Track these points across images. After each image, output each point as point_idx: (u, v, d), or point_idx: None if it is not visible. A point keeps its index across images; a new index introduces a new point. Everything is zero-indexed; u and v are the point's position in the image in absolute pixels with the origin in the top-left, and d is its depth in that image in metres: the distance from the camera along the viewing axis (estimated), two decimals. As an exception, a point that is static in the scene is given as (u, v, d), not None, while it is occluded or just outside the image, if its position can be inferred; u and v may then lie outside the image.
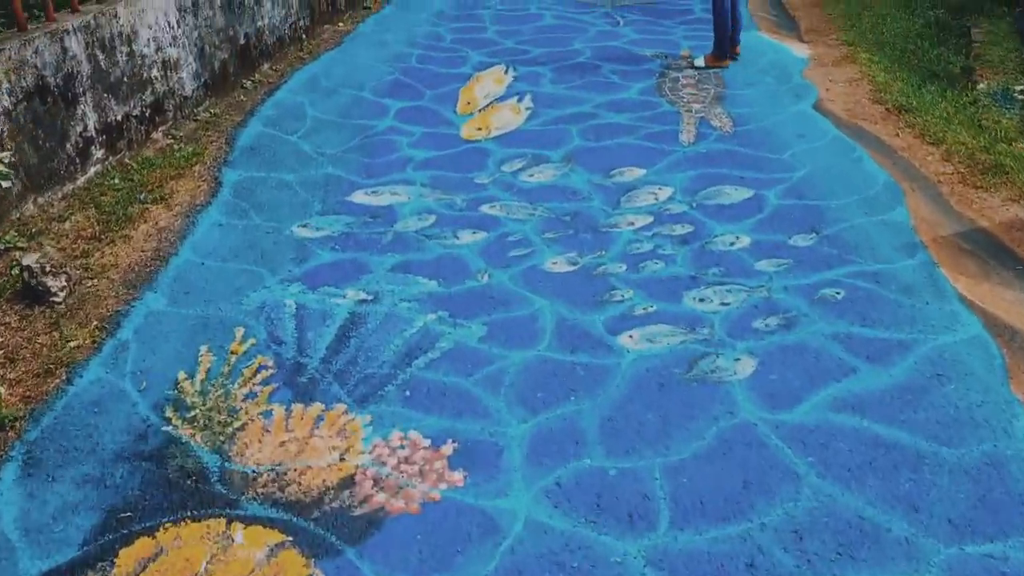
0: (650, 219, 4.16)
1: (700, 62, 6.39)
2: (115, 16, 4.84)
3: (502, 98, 5.84)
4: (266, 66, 6.51)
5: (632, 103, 5.66)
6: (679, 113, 5.48)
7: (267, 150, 5.07)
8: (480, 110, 5.63)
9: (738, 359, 3.13)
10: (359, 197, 4.47)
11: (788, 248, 3.89)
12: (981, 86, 5.88)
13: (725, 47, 6.33)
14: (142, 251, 4.00)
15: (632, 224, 4.12)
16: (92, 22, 4.66)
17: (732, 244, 3.93)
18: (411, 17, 7.90)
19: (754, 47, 6.74)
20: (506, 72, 6.34)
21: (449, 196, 4.45)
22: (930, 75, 6.30)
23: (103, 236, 4.10)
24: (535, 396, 2.97)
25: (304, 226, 4.18)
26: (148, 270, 3.83)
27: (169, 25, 5.34)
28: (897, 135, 5.11)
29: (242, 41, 6.18)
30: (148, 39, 5.13)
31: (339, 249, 3.97)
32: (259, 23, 6.39)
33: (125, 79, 4.94)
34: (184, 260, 3.90)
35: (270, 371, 3.13)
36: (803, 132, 5.15)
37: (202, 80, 5.70)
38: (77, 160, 4.56)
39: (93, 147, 4.68)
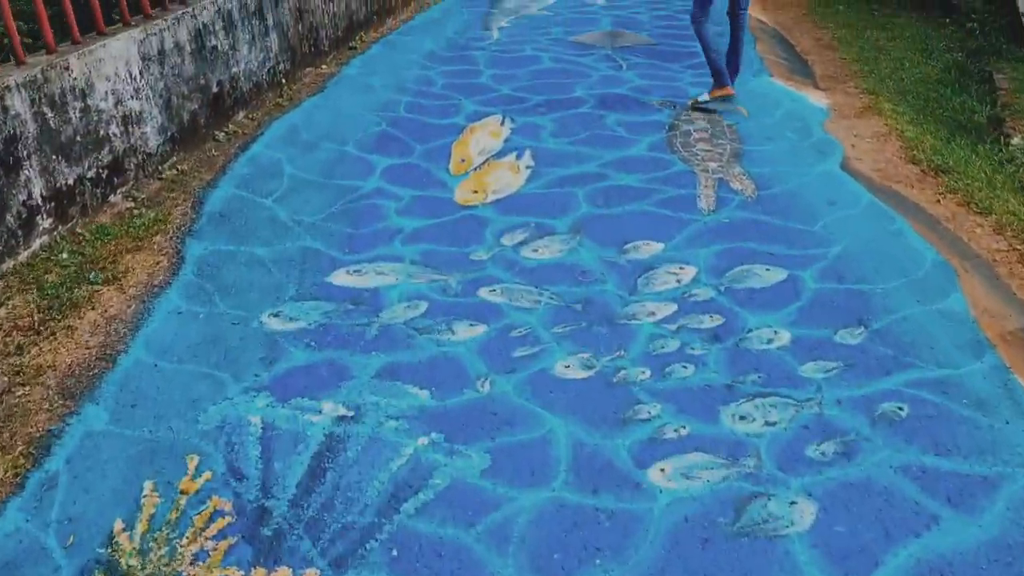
0: (673, 307, 3.64)
1: (705, 97, 6.06)
2: (67, 69, 4.31)
3: (500, 154, 5.32)
4: (241, 115, 5.98)
5: (642, 161, 5.16)
6: (695, 173, 4.98)
7: (238, 216, 4.53)
8: (475, 169, 5.11)
9: (794, 503, 2.59)
10: (340, 278, 3.92)
11: (835, 347, 3.37)
12: (1015, 140, 5.42)
13: (725, 75, 5.98)
14: (86, 348, 3.44)
15: (653, 315, 3.59)
16: (39, 76, 4.12)
17: (770, 341, 3.40)
18: (399, 58, 7.40)
19: (769, 96, 6.27)
20: (503, 123, 5.83)
21: (442, 277, 3.91)
22: (957, 126, 5.85)
23: (43, 327, 3.54)
24: (551, 558, 2.42)
25: (276, 315, 3.63)
26: (91, 374, 3.27)
27: (131, 76, 4.80)
28: (938, 201, 4.62)
29: (215, 89, 5.65)
30: (106, 92, 4.60)
31: (315, 347, 3.42)
32: (234, 69, 5.86)
33: (78, 138, 4.40)
34: (134, 361, 3.34)
35: (227, 519, 2.57)
36: (833, 197, 4.65)
37: (168, 134, 5.16)
38: (19, 233, 4.00)
39: (39, 217, 4.13)
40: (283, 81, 6.54)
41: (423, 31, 8.32)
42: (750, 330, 3.48)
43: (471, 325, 3.53)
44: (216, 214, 4.57)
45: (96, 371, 3.28)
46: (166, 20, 5.14)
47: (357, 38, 7.90)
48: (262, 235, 4.33)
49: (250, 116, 6.05)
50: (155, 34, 5.01)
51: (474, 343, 3.42)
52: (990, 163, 5.05)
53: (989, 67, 6.91)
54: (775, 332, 3.46)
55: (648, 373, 3.22)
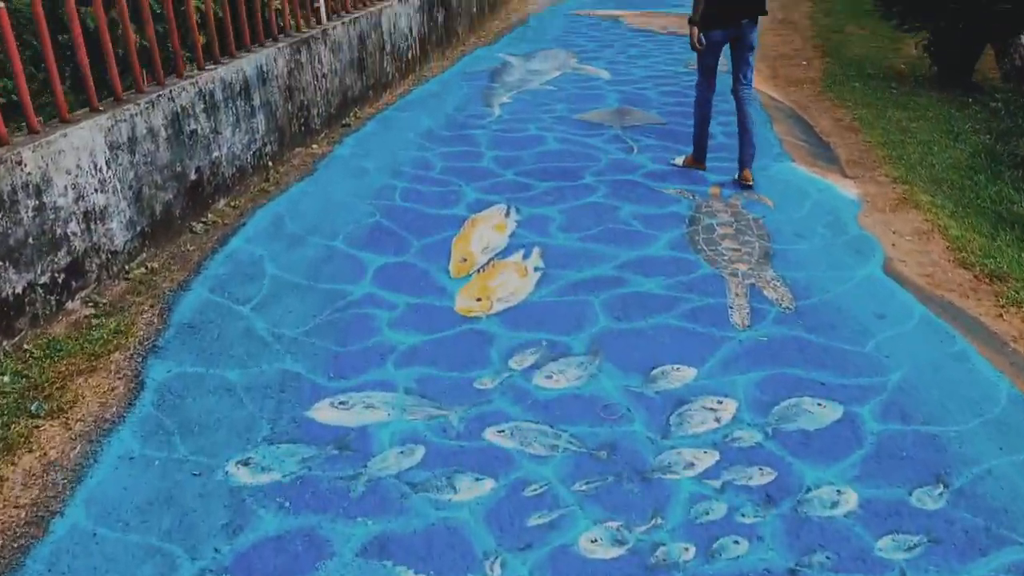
0: (715, 456, 3.09)
1: (678, 161, 6.19)
2: (19, 163, 3.80)
3: (504, 252, 4.82)
4: (222, 203, 5.48)
5: (663, 262, 4.65)
6: (723, 278, 4.47)
7: (210, 329, 3.99)
8: (479, 270, 4.60)
9: None
10: (323, 412, 3.37)
11: (912, 513, 2.81)
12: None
13: (703, 149, 6.07)
14: (16, 507, 2.86)
15: (692, 466, 3.04)
16: (-16, 174, 3.61)
17: (835, 505, 2.85)
18: (395, 137, 6.95)
19: (794, 184, 5.81)
20: (507, 214, 5.34)
21: (442, 412, 3.36)
22: (998, 219, 5.41)
23: (-34, 478, 2.97)
24: None
25: (245, 464, 3.07)
26: (16, 546, 2.69)
27: (95, 167, 4.30)
28: (1001, 316, 4.11)
29: (193, 177, 5.15)
30: (66, 187, 4.09)
31: (290, 509, 2.84)
32: (215, 154, 5.38)
33: (31, 240, 3.87)
34: (70, 527, 2.76)
35: None
36: (882, 310, 4.14)
37: (138, 229, 4.65)
38: (-48, 354, 3.45)
39: (-23, 334, 3.58)
40: (270, 164, 6.06)
41: (421, 107, 7.90)
42: (809, 489, 2.93)
43: (476, 480, 2.97)
44: (185, 325, 4.03)
45: (22, 542, 2.70)
46: (139, 104, 4.66)
47: (351, 114, 7.46)
48: (236, 353, 3.78)
49: (232, 204, 5.55)
50: (125, 120, 4.53)
51: (480, 506, 2.85)
52: (1043, 263, 4.57)
53: (1020, 150, 6.51)
54: (839, 492, 2.91)
55: (692, 551, 2.65)
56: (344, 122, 7.30)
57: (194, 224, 5.14)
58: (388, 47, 8.31)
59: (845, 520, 2.78)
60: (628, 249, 4.82)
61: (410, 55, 8.94)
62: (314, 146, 6.73)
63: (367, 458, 3.09)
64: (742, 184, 5.72)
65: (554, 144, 6.75)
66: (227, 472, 3.03)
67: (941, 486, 2.93)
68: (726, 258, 4.71)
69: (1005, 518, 2.78)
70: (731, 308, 4.16)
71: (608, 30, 11.83)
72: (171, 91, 4.94)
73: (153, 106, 4.76)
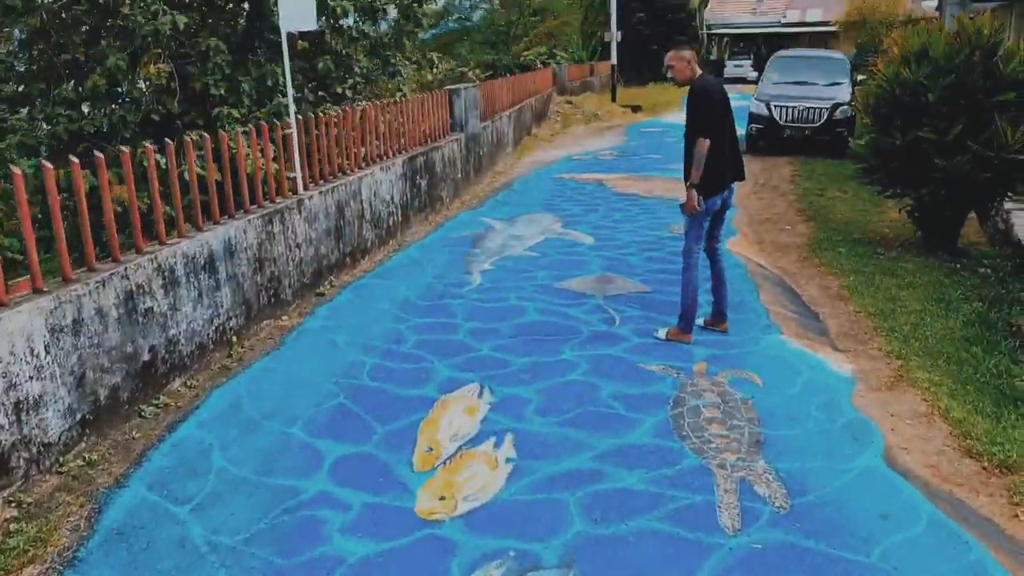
0: None
1: (661, 334, 5.94)
2: (-59, 354, 3.50)
3: (475, 439, 4.46)
4: (178, 383, 5.15)
5: (646, 452, 4.30)
6: (710, 471, 4.10)
7: (140, 537, 3.58)
8: (444, 462, 4.22)
9: None
10: (252, 646, 2.92)
11: None
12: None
13: (692, 320, 5.93)
14: None
15: None
16: None
17: None
18: (370, 308, 6.71)
19: (784, 361, 5.52)
20: (480, 395, 5.02)
21: (390, 646, 2.92)
22: (999, 395, 5.10)
23: None
24: None
25: None
26: None
27: (32, 353, 4.00)
28: (1017, 516, 3.73)
29: (146, 357, 4.85)
30: (-5, 376, 3.78)
31: None
32: (172, 331, 5.10)
33: (-53, 437, 3.52)
34: None
35: None
36: (886, 509, 3.76)
37: (77, 417, 4.30)
38: None
39: None
40: (234, 339, 5.78)
41: (399, 274, 7.73)
42: None
43: None
44: (113, 531, 3.62)
45: None
46: (88, 285, 4.41)
47: (327, 283, 7.27)
48: (163, 568, 3.36)
49: (189, 383, 5.22)
50: (71, 301, 4.27)
51: None
52: (1056, 449, 4.23)
53: (1013, 318, 6.29)
54: None
55: None
56: (319, 291, 7.09)
57: (144, 408, 4.80)
58: (368, 214, 8.22)
59: None
60: (608, 436, 4.47)
61: (391, 221, 8.86)
62: (284, 318, 6.48)
63: None
64: (722, 332, 6.00)
65: (534, 315, 6.51)
66: None
67: None
68: (713, 446, 4.35)
69: None
70: (719, 508, 3.78)
71: (593, 194, 11.89)
72: (126, 268, 4.71)
73: (104, 285, 4.52)
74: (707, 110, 5.51)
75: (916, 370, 5.37)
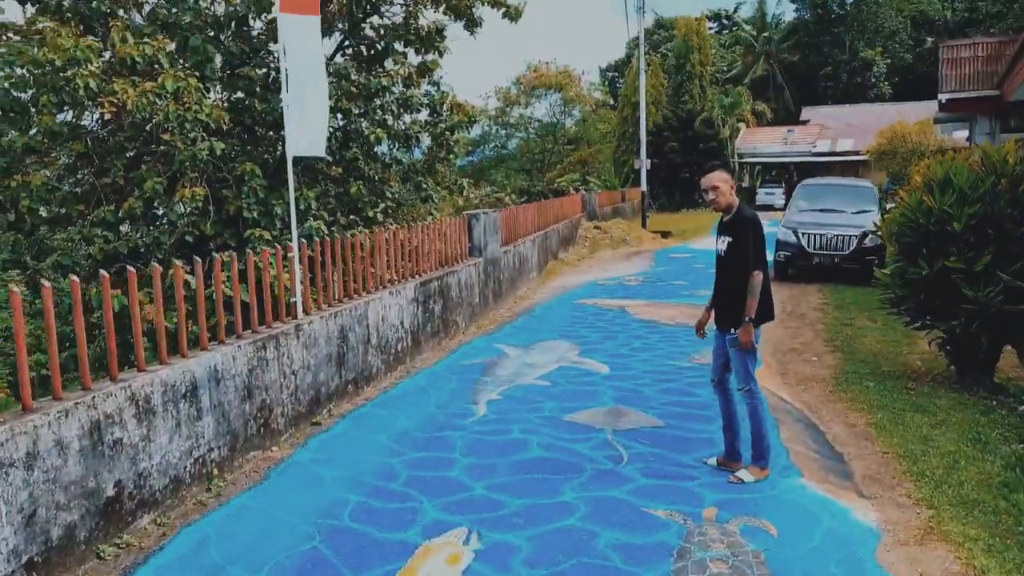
0: None
1: (748, 478, 5.50)
2: None
3: (453, 595, 4.04)
4: (146, 520, 4.82)
5: (642, 615, 3.84)
6: (712, 639, 3.63)
7: None
8: (416, 621, 3.81)
9: None
10: None
11: None
12: None
13: (768, 452, 5.63)
14: None
15: None
16: None
17: None
18: (364, 440, 6.38)
19: (803, 507, 5.07)
20: (467, 541, 4.61)
21: None
22: (1046, 554, 4.56)
23: None
24: None
25: None
26: None
27: (-26, 490, 3.72)
28: None
29: (109, 492, 4.55)
30: (-72, 516, 3.49)
31: None
32: (142, 464, 4.81)
33: None
34: None
35: None
36: None
37: (23, 560, 3.97)
38: None
39: None
40: (215, 472, 5.47)
41: (402, 403, 7.41)
42: None
43: None
44: None
45: None
46: (48, 415, 4.16)
47: (326, 411, 6.98)
48: None
49: (159, 521, 4.89)
50: (25, 433, 4.01)
51: None
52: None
53: (1058, 462, 5.78)
54: None
55: None
56: (315, 420, 6.78)
57: (104, 548, 4.46)
58: (374, 340, 7.99)
59: None
60: (602, 594, 4.03)
61: (400, 347, 8.61)
62: (274, 448, 6.16)
63: None
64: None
65: (537, 451, 6.13)
66: None
67: None
68: (718, 609, 3.89)
69: None
70: None
71: (613, 320, 11.61)
72: (93, 397, 4.47)
73: (67, 416, 4.27)
74: (762, 240, 5.38)
75: (949, 521, 4.89)
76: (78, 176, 9.68)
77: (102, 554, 4.44)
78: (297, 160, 8.34)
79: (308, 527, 4.80)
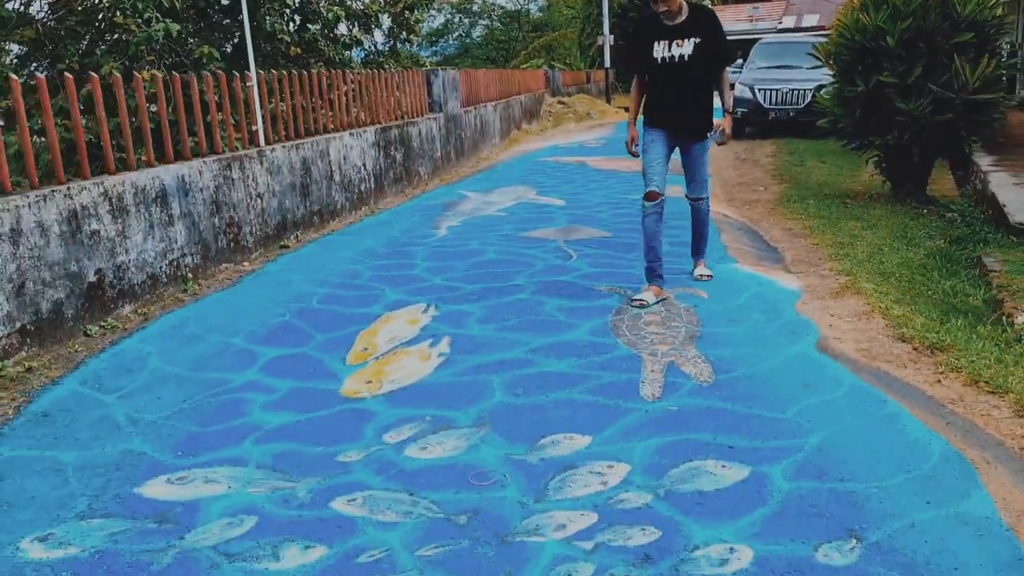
0: (593, 518, 2.65)
1: (706, 271, 5.61)
2: None
3: (411, 342, 4.48)
4: (128, 309, 5.20)
5: (579, 346, 4.31)
6: (640, 358, 4.11)
7: (64, 416, 3.61)
8: (377, 357, 4.25)
9: None
10: (154, 488, 2.95)
11: (815, 568, 2.35)
12: (1021, 319, 4.62)
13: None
14: None
15: (564, 528, 2.59)
16: None
17: (724, 563, 2.39)
18: (333, 256, 6.76)
19: (732, 280, 5.53)
20: (425, 311, 5.04)
21: (289, 484, 2.94)
22: (950, 308, 5.07)
23: None
24: None
25: (43, 540, 2.63)
26: None
27: (-34, 254, 4.06)
28: (939, 381, 3.72)
29: (91, 278, 4.90)
30: (-75, 270, 3.83)
31: (75, 584, 2.39)
32: (120, 258, 5.15)
33: None
34: None
35: None
36: (809, 381, 3.76)
37: (17, 325, 4.35)
38: None
39: None
40: (189, 276, 5.83)
41: (366, 232, 7.77)
42: (696, 547, 2.47)
43: (305, 548, 2.53)
44: (39, 414, 3.65)
45: None
46: (28, 197, 4.47)
47: (292, 237, 7.32)
48: (81, 437, 3.39)
49: (140, 311, 5.27)
50: (8, 211, 4.33)
51: (301, 573, 2.40)
52: (995, 343, 4.22)
53: (975, 253, 6.27)
54: (731, 549, 2.45)
55: (541, 615, 2.18)
56: (283, 243, 7.14)
57: (90, 327, 4.84)
58: (337, 177, 8.28)
59: (734, 579, 2.31)
60: (545, 336, 4.49)
61: (363, 187, 8.92)
62: (245, 263, 6.53)
63: (186, 531, 2.65)
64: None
65: (493, 255, 6.55)
66: (18, 548, 2.58)
67: (854, 540, 2.48)
68: (648, 341, 4.36)
69: (928, 570, 2.31)
70: (642, 383, 3.79)
71: (572, 171, 11.94)
72: (69, 187, 4.77)
73: (45, 200, 4.58)
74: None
75: (864, 283, 5.37)
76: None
77: (89, 332, 4.82)
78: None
79: (279, 308, 5.20)
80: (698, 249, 5.67)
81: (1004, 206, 7.05)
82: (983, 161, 8.94)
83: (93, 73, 5.25)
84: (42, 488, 2.96)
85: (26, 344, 4.41)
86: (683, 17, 4.95)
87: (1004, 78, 7.70)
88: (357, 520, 2.68)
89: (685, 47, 4.91)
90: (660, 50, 4.98)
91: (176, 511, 2.77)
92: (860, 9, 7.93)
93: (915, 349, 4.15)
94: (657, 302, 4.96)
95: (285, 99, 7.58)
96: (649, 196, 5.11)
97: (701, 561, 2.40)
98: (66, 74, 4.93)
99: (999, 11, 7.67)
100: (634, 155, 5.36)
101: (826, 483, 2.83)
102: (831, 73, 8.54)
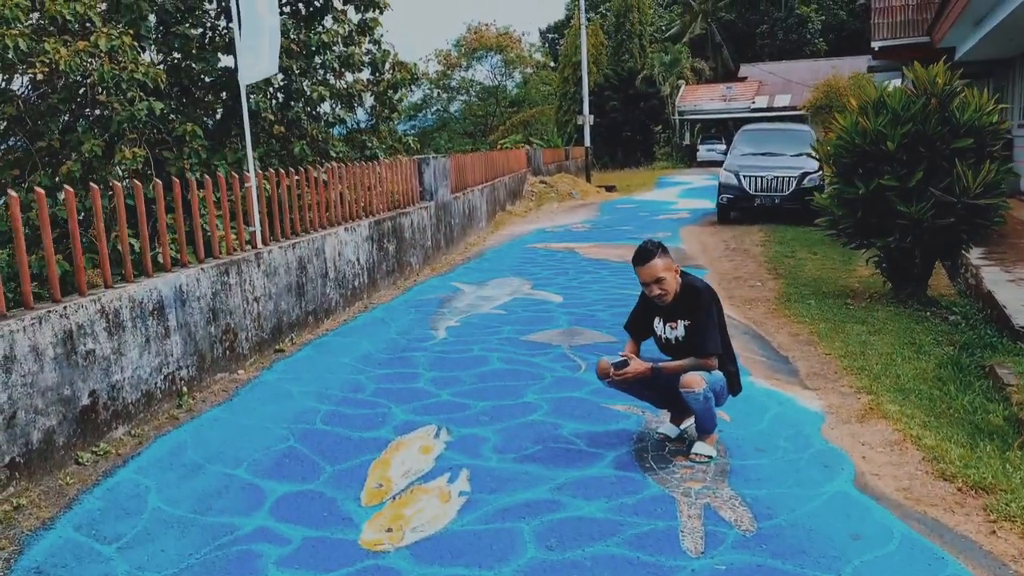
0: None
1: (708, 449, 4.44)
2: None
3: (428, 476, 4.24)
4: (121, 431, 4.92)
5: (606, 483, 4.09)
6: (674, 499, 3.90)
7: (61, 574, 3.31)
8: (394, 497, 4.00)
9: None
10: (167, 677, 2.66)
11: None
12: (1052, 445, 4.49)
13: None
14: None
15: None
16: None
17: None
18: (329, 362, 6.52)
19: (752, 399, 5.35)
20: (437, 435, 4.81)
21: (319, 673, 2.67)
22: (974, 429, 4.94)
23: None
24: None
25: None
26: None
27: (-44, 387, 3.80)
28: (994, 532, 3.54)
29: (85, 401, 4.64)
30: (-88, 409, 3.56)
31: None
32: (115, 377, 4.89)
33: None
34: None
35: None
36: (857, 530, 3.56)
37: (6, 460, 4.06)
38: None
39: None
40: (184, 390, 5.56)
41: (362, 332, 7.56)
42: None
43: None
44: (32, 570, 3.36)
45: None
46: (23, 321, 4.23)
47: (287, 340, 7.08)
48: (80, 604, 3.10)
49: (134, 432, 4.99)
50: (2, 337, 4.08)
51: None
52: (1033, 476, 4.06)
53: (986, 361, 6.17)
54: None
55: None
56: (278, 347, 6.90)
57: (81, 454, 4.56)
58: (332, 274, 8.10)
59: None
60: (568, 470, 4.27)
61: (356, 283, 8.73)
62: (240, 371, 6.27)
63: None
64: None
65: (498, 364, 6.35)
66: None
67: None
68: (678, 477, 4.16)
69: None
70: (682, 532, 3.57)
71: (563, 260, 11.85)
72: (65, 308, 4.54)
73: (41, 323, 4.34)
74: (721, 316, 4.52)
75: (887, 404, 5.23)
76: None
77: (80, 460, 4.53)
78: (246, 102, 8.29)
79: (281, 431, 4.95)
80: (701, 427, 4.53)
81: (1004, 307, 7.01)
82: (972, 255, 8.96)
83: (94, 185, 5.04)
84: None
85: (15, 479, 4.12)
86: (676, 298, 4.46)
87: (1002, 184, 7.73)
88: None
89: (678, 329, 4.49)
90: (660, 328, 4.59)
91: None
92: (860, 113, 7.98)
93: (959, 489, 3.97)
94: (680, 432, 4.74)
95: (283, 196, 7.42)
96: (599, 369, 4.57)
97: None
98: (67, 188, 4.72)
99: (995, 118, 7.75)
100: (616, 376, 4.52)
101: (904, 671, 2.61)
102: (820, 167, 8.56)
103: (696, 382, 4.19)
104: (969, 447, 4.57)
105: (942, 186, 7.58)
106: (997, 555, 3.35)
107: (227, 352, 6.16)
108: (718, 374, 4.38)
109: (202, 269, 5.90)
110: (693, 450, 4.42)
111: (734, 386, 4.57)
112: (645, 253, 4.38)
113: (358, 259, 8.80)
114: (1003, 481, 4.00)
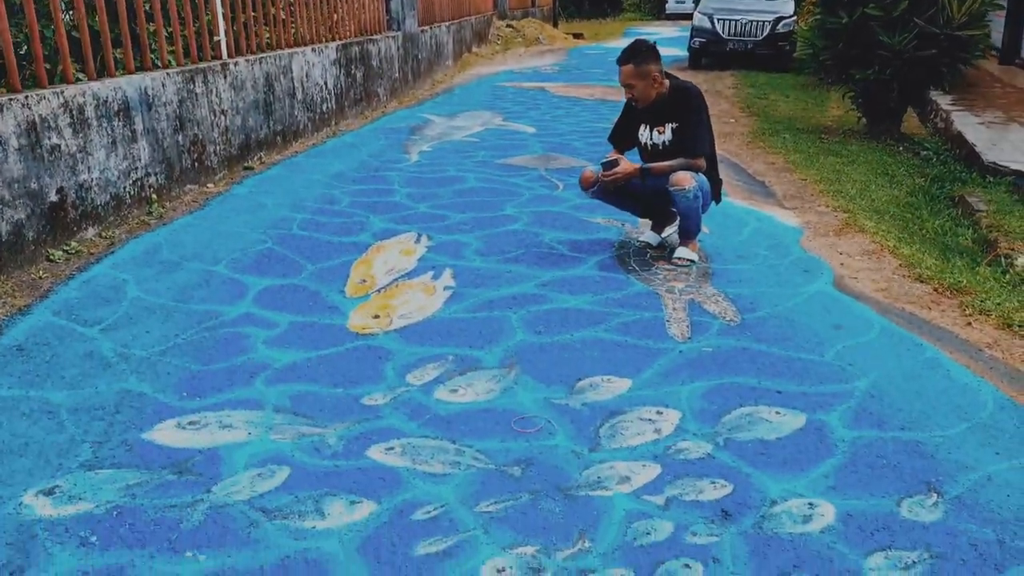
0: (656, 470, 2.47)
1: (689, 253, 4.41)
2: None
3: (411, 274, 4.22)
4: (92, 232, 4.78)
5: (591, 281, 4.10)
6: (658, 295, 3.93)
7: (43, 351, 3.27)
8: (379, 291, 3.98)
9: None
10: (164, 434, 2.66)
11: (903, 525, 2.22)
12: (1021, 260, 4.58)
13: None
14: None
15: (629, 481, 2.41)
16: None
17: (807, 519, 2.24)
18: (302, 178, 6.37)
19: (730, 215, 5.37)
20: (418, 240, 4.76)
21: (317, 430, 2.69)
22: (945, 248, 5.02)
23: None
24: None
25: (48, 493, 2.34)
26: None
27: (-83, 168, 3.61)
28: (970, 324, 3.64)
29: (52, 198, 4.47)
30: None
31: (96, 545, 2.12)
32: (83, 176, 4.71)
33: None
34: None
35: None
36: (837, 321, 3.63)
37: (-26, 248, 3.93)
38: None
39: None
40: (153, 197, 5.40)
41: (333, 154, 7.37)
42: (774, 502, 2.32)
43: (351, 503, 2.30)
44: (14, 348, 3.30)
45: None
46: (-17, 105, 4.01)
47: (255, 158, 6.88)
48: (68, 375, 3.06)
49: (104, 234, 4.85)
50: (-37, 119, 3.87)
51: (353, 534, 2.17)
52: (1001, 284, 4.15)
53: (956, 192, 6.23)
54: (811, 505, 2.31)
55: (631, 579, 2.01)
56: (247, 164, 6.70)
57: (52, 252, 4.43)
58: (300, 95, 7.81)
59: (822, 537, 2.17)
60: (552, 270, 4.27)
61: (324, 107, 8.45)
62: (210, 185, 6.10)
63: (212, 483, 2.39)
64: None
65: (474, 183, 6.25)
66: (21, 503, 2.29)
67: (934, 495, 2.36)
68: (661, 277, 4.18)
69: (1014, 528, 2.21)
70: (668, 321, 3.61)
71: (534, 97, 11.58)
72: (27, 97, 4.30)
73: (2, 110, 4.11)
74: (709, 120, 4.46)
75: (864, 220, 5.27)
76: None
77: (52, 257, 4.41)
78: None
79: (258, 235, 4.86)
80: (685, 231, 4.48)
81: (974, 145, 7.03)
82: (942, 100, 8.93)
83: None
84: (35, 433, 2.65)
85: (-15, 269, 4.00)
86: (664, 101, 4.34)
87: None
88: (401, 471, 2.45)
89: (665, 133, 4.37)
90: (645, 135, 4.45)
91: (195, 460, 2.50)
92: (847, -62, 7.70)
93: (936, 290, 4.06)
94: (661, 240, 4.74)
95: (247, 7, 7.04)
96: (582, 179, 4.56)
97: (783, 517, 2.25)
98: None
99: (984, -55, 7.54)
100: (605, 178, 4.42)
101: (887, 432, 2.70)
102: (795, 13, 8.34)
103: (687, 180, 4.16)
104: (943, 260, 4.65)
105: (926, 16, 7.43)
106: (973, 342, 3.45)
107: (196, 164, 5.96)
108: (703, 178, 4.34)
109: (167, 74, 5.62)
110: (675, 255, 4.43)
111: (716, 194, 4.56)
112: (624, 53, 4.27)
113: (326, 83, 8.49)
114: (976, 285, 4.09)
